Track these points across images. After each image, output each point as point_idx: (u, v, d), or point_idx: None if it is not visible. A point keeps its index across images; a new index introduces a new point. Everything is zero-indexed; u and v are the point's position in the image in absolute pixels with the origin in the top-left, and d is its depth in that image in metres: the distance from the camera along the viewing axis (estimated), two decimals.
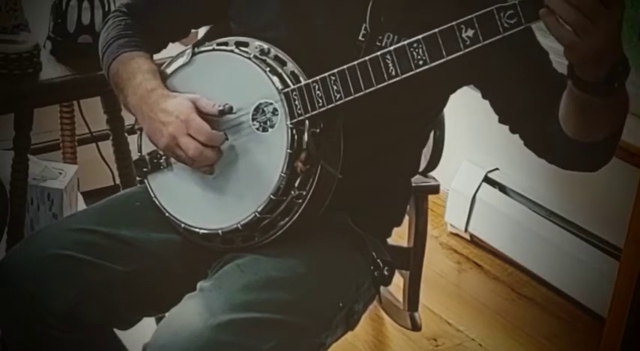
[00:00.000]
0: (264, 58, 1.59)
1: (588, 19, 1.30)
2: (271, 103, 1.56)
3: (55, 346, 1.65)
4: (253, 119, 1.58)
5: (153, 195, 1.71)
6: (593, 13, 1.30)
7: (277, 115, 1.56)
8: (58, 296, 1.61)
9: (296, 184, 1.55)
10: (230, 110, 1.57)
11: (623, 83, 1.40)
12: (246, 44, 1.62)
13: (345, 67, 1.49)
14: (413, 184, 1.87)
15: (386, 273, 1.71)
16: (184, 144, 1.56)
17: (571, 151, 1.57)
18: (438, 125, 2.21)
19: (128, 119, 2.18)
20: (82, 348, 1.67)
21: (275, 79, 1.56)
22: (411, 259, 2.41)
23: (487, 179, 2.98)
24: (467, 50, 1.40)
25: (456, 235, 3.10)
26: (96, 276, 1.63)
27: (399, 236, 2.26)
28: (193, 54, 1.66)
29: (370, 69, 1.47)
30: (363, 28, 1.57)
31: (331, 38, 1.61)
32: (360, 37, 1.58)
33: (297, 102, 1.54)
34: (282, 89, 1.55)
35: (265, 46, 1.60)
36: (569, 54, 1.35)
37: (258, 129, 1.58)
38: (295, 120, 1.54)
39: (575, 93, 1.42)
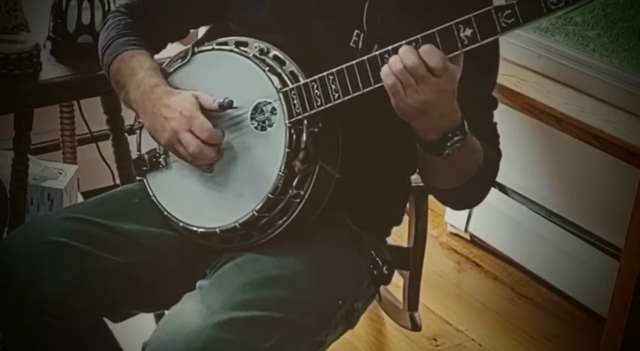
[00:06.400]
0: (263, 57, 1.59)
1: (412, 78, 1.40)
2: (270, 103, 1.56)
3: (46, 332, 1.65)
4: (252, 118, 1.58)
5: (151, 194, 1.72)
6: (418, 77, 1.40)
7: (276, 114, 1.56)
8: (51, 281, 1.61)
9: (294, 184, 1.55)
10: (230, 104, 1.57)
11: (457, 149, 1.48)
12: (245, 44, 1.62)
13: (343, 66, 1.49)
14: (413, 184, 1.87)
15: (385, 272, 1.72)
16: (185, 140, 1.57)
17: (430, 189, 1.70)
18: None
19: (128, 119, 2.18)
20: (72, 335, 1.68)
21: (274, 78, 1.56)
22: (411, 259, 2.40)
23: None
24: (465, 49, 1.40)
25: (456, 235, 3.10)
26: (90, 264, 1.64)
27: (399, 236, 2.25)
28: (193, 53, 1.67)
29: (368, 68, 1.47)
30: (359, 29, 1.58)
31: (328, 40, 1.61)
32: (354, 37, 1.58)
33: (295, 101, 1.54)
34: (281, 88, 1.55)
35: (264, 45, 1.60)
36: (393, 101, 1.44)
37: (256, 128, 1.58)
38: (294, 119, 1.54)
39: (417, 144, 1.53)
